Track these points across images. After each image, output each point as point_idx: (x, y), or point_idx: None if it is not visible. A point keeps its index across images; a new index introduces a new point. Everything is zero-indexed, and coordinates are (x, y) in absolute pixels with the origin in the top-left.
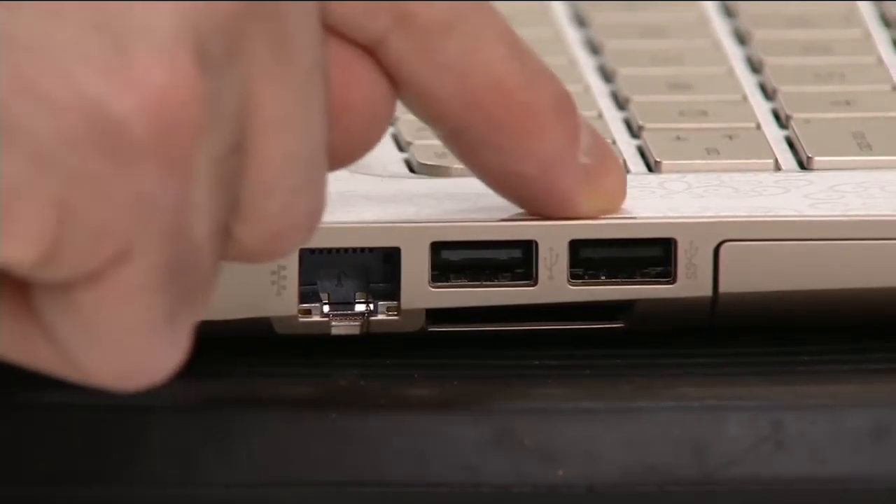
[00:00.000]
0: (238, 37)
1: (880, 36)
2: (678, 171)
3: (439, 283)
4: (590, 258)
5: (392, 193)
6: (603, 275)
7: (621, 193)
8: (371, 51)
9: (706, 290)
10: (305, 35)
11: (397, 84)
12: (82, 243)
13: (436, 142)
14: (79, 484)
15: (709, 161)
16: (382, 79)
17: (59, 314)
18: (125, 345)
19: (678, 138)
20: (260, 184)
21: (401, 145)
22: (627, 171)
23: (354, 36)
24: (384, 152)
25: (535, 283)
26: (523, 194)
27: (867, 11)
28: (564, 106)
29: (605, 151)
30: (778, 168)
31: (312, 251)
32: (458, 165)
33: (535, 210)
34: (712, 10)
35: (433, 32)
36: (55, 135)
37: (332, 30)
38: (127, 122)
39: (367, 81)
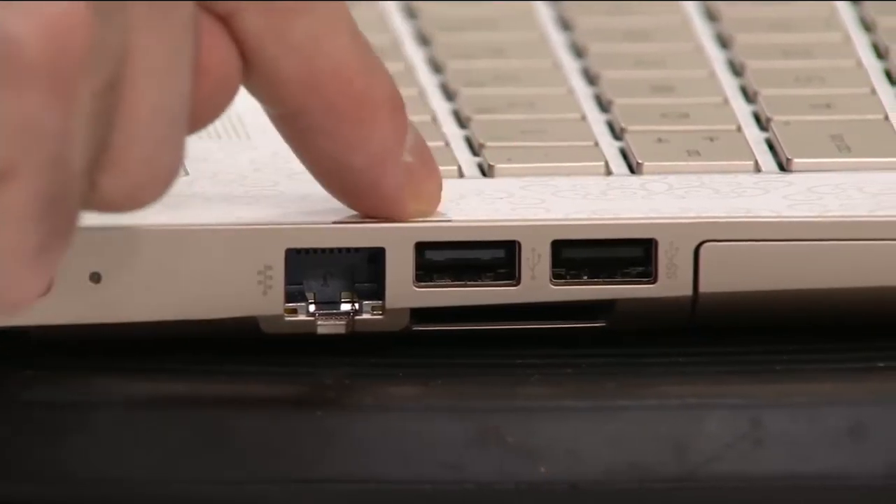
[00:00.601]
0: None
1: (860, 40)
2: (660, 173)
3: (423, 283)
4: (572, 258)
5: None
6: (585, 275)
7: (438, 197)
8: (225, 20)
9: (686, 290)
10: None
11: (244, 58)
12: None
13: None
14: (65, 482)
15: (690, 163)
16: (234, 47)
17: None
18: None
19: (660, 140)
20: (128, 131)
21: None
22: (609, 173)
23: (211, 5)
24: None
25: (517, 283)
26: (349, 187)
27: (847, 15)
28: (396, 103)
29: (426, 154)
30: (758, 169)
31: (298, 251)
32: (441, 167)
33: (357, 206)
34: (695, 14)
35: (285, 12)
36: None
37: None
38: (21, 44)
39: (221, 47)
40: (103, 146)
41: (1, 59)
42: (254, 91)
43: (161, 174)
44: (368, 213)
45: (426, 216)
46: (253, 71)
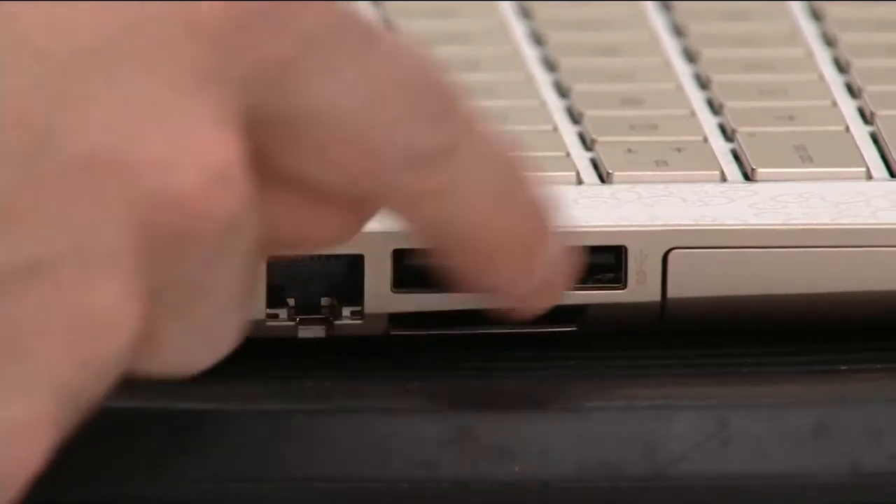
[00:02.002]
0: (125, 359)
1: (821, 55)
2: (629, 182)
3: (401, 289)
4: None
5: None
6: None
7: (564, 291)
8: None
9: (655, 296)
10: (219, 309)
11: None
12: None
13: None
14: (56, 485)
15: (658, 172)
16: (353, 223)
17: None
18: None
19: (629, 151)
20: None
21: None
22: (580, 182)
23: (338, 197)
24: None
25: None
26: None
27: (809, 32)
28: (533, 247)
29: (559, 269)
30: (724, 179)
31: (280, 258)
32: None
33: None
34: (662, 30)
35: (416, 200)
36: None
37: (313, 196)
38: None
39: (332, 226)
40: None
41: None
42: None
43: (203, 361)
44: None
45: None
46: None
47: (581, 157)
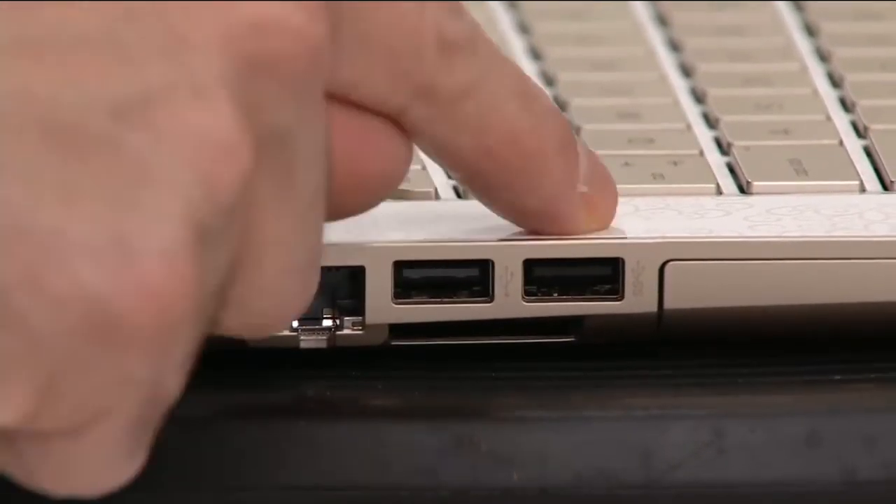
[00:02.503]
0: (244, 201)
1: (816, 69)
2: (626, 195)
3: (402, 300)
4: (543, 276)
5: (357, 216)
6: (555, 292)
7: (613, 213)
8: (393, 119)
9: (652, 307)
10: (312, 166)
11: (417, 140)
12: (63, 412)
13: None
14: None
15: (655, 185)
16: (401, 145)
17: (33, 450)
18: (90, 478)
19: (626, 164)
20: (253, 293)
21: None
22: None
23: (377, 108)
24: None
25: (491, 300)
26: (531, 223)
27: (804, 47)
28: (567, 143)
29: (602, 177)
30: (719, 192)
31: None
32: (419, 189)
33: (540, 232)
34: (659, 45)
35: (453, 99)
36: (51, 324)
37: (353, 104)
38: (123, 318)
39: (385, 152)
40: (223, 304)
41: (102, 329)
42: (430, 158)
43: (289, 315)
44: (551, 234)
45: (602, 229)
46: (427, 148)
47: None
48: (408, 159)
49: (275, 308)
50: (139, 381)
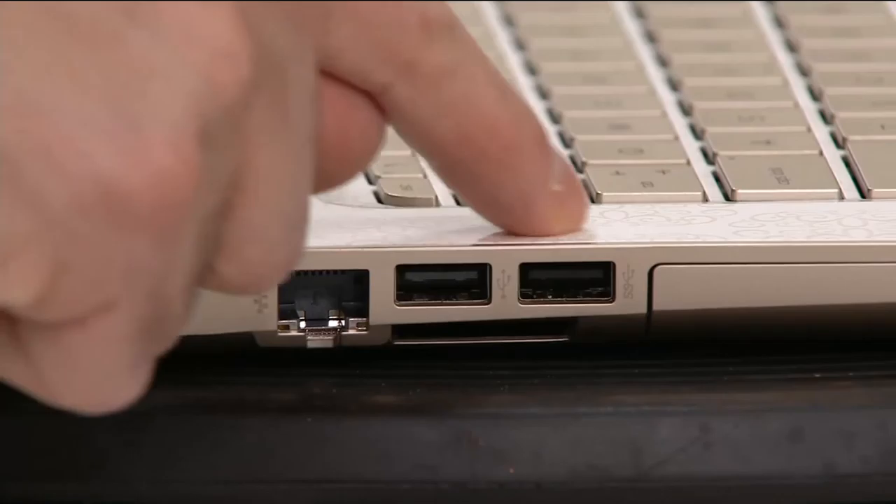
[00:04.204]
0: (241, 113)
1: (797, 83)
2: (617, 203)
3: (404, 302)
4: (538, 279)
5: (362, 221)
6: (550, 294)
7: (585, 215)
8: (375, 95)
9: (641, 308)
10: (304, 106)
11: (398, 123)
12: (73, 295)
13: (402, 175)
14: (77, 480)
15: (644, 193)
16: (378, 118)
17: (42, 345)
18: (97, 381)
19: (617, 173)
20: (245, 233)
21: (370, 178)
22: None
23: (360, 83)
24: (355, 185)
25: (489, 302)
26: (503, 218)
27: (785, 62)
28: (542, 141)
29: (573, 180)
30: (706, 200)
31: (291, 273)
32: (420, 196)
33: (513, 229)
34: (648, 61)
35: (435, 79)
36: (63, 200)
37: (338, 77)
38: (132, 197)
39: (363, 121)
40: (218, 245)
41: (112, 208)
42: (410, 145)
43: (280, 264)
44: (526, 234)
45: (573, 232)
46: (407, 132)
47: None
48: (382, 139)
49: (264, 255)
50: (145, 269)
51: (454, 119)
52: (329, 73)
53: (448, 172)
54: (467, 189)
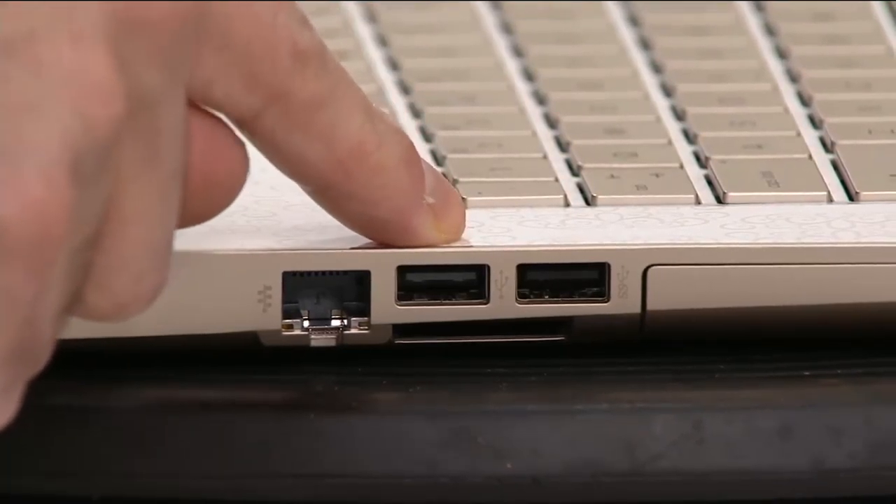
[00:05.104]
0: (113, 148)
1: (786, 89)
2: (612, 205)
3: (404, 302)
4: (535, 280)
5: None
6: (546, 294)
7: (462, 225)
8: (244, 123)
9: (636, 308)
10: (174, 142)
11: (268, 149)
12: None
13: None
14: (85, 477)
15: (639, 196)
16: (242, 150)
17: None
18: None
19: (612, 176)
20: (112, 263)
21: None
22: (567, 205)
23: (230, 111)
24: None
25: (487, 302)
26: (381, 234)
27: (775, 68)
28: (410, 158)
29: (447, 191)
30: (698, 202)
31: (294, 273)
32: None
33: (392, 244)
34: (642, 67)
35: (306, 109)
36: None
37: (208, 104)
38: (6, 229)
39: (229, 155)
40: (87, 274)
41: None
42: (283, 172)
43: (145, 294)
44: (403, 246)
45: (454, 242)
46: (279, 158)
47: (568, 182)
48: (245, 171)
49: (131, 285)
50: (17, 298)
51: (325, 145)
52: (199, 103)
53: (321, 196)
54: (342, 211)
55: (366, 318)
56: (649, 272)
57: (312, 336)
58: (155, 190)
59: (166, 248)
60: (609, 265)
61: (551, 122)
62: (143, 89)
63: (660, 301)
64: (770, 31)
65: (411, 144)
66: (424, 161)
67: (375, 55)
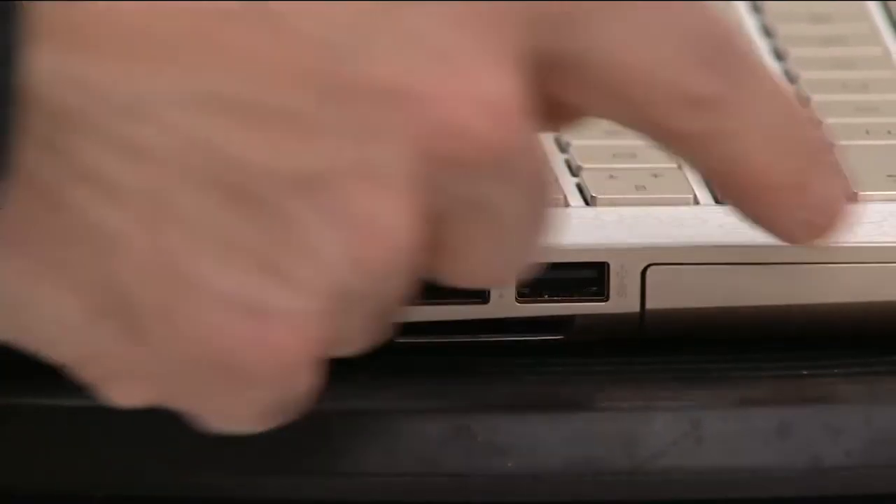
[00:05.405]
0: (405, 266)
1: None
2: (611, 205)
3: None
4: (535, 279)
5: None
6: (546, 293)
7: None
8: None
9: (635, 307)
10: (523, 213)
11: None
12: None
13: None
14: (87, 474)
15: (638, 196)
16: None
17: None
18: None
19: (611, 177)
20: (456, 267)
21: None
22: (567, 205)
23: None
24: None
25: (487, 301)
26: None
27: (773, 70)
28: (804, 181)
29: (831, 207)
30: (697, 202)
31: None
32: None
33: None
34: None
35: (692, 141)
36: (172, 351)
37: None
38: (244, 367)
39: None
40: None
41: (223, 367)
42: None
43: (506, 275)
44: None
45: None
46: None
47: (568, 183)
48: None
49: (488, 274)
50: (259, 402)
51: (723, 173)
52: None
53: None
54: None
55: None
56: (648, 271)
57: None
58: (504, 246)
59: (532, 236)
60: (608, 265)
61: None
62: (464, 207)
63: (659, 300)
64: (768, 32)
65: (818, 163)
66: (827, 167)
67: None
